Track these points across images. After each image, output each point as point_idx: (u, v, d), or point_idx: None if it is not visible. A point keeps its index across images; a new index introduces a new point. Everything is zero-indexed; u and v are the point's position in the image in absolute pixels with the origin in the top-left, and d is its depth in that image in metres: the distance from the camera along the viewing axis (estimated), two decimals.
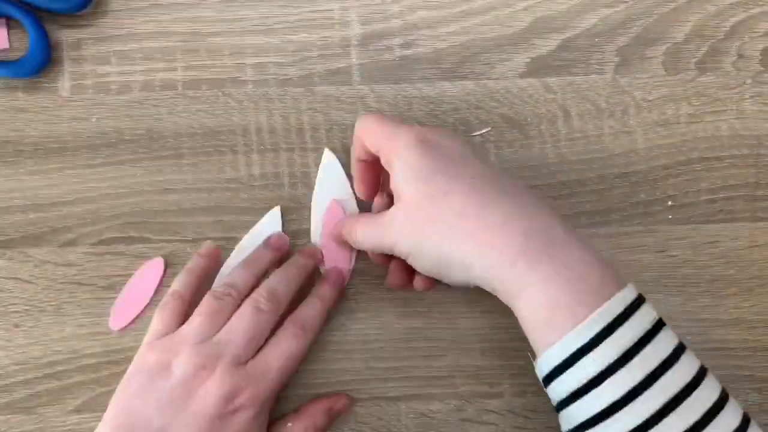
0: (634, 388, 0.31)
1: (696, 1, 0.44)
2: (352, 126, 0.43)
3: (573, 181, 0.43)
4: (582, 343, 0.32)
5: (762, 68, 0.44)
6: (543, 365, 0.34)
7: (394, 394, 0.43)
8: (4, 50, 0.44)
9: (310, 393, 0.43)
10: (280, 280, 0.40)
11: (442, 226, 0.34)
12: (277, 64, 0.44)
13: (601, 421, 0.32)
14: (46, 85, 0.44)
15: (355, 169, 0.41)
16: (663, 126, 0.44)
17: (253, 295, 0.39)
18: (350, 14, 0.44)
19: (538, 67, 0.44)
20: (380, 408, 0.43)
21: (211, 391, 0.36)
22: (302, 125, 0.44)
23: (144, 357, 0.38)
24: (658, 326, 0.33)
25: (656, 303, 0.43)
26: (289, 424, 0.40)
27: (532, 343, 0.34)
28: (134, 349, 0.42)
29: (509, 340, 0.43)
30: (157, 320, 0.39)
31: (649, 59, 0.44)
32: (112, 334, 0.43)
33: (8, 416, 0.42)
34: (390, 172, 0.37)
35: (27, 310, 0.43)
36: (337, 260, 0.43)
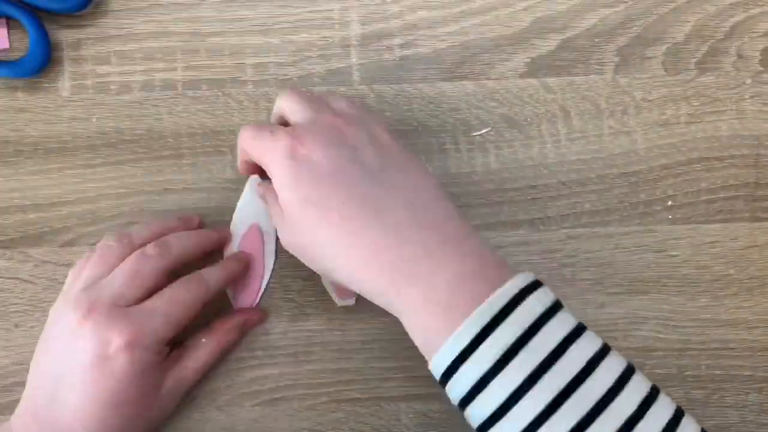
0: (521, 384, 0.30)
1: (696, 1, 0.44)
2: None
3: (573, 181, 0.44)
4: (460, 349, 0.31)
5: (762, 68, 0.44)
6: (434, 371, 0.33)
7: (394, 394, 0.43)
8: (4, 50, 0.44)
9: (311, 392, 0.43)
10: (176, 236, 0.40)
11: (319, 255, 0.35)
12: (277, 64, 0.44)
13: (494, 423, 0.31)
14: (46, 85, 0.44)
15: (240, 165, 0.41)
16: (663, 126, 0.44)
17: (147, 246, 0.39)
18: (350, 14, 0.44)
19: (537, 67, 0.44)
20: (380, 408, 0.43)
21: (89, 334, 0.35)
22: None
23: (49, 314, 0.38)
24: (550, 312, 0.32)
25: (656, 303, 0.43)
26: (203, 340, 0.41)
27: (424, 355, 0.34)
28: None
29: None
30: (67, 278, 0.39)
31: (649, 59, 0.44)
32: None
33: (8, 416, 0.42)
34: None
35: (27, 310, 0.43)
36: (245, 285, 0.43)
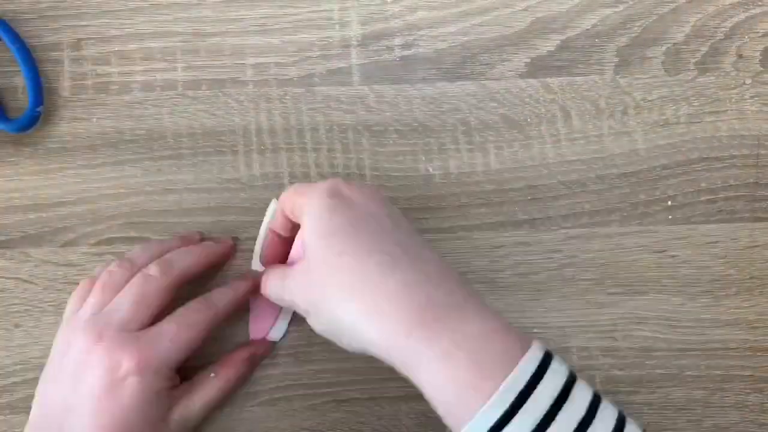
0: None
1: (696, 1, 0.44)
2: (353, 126, 0.43)
3: (573, 181, 0.44)
4: (493, 422, 0.29)
5: (762, 68, 0.44)
6: None
7: (394, 394, 0.43)
8: None
9: (311, 393, 0.43)
10: (178, 253, 0.40)
11: (336, 288, 0.33)
12: (277, 64, 0.44)
13: None
14: (46, 85, 0.44)
15: (268, 241, 0.41)
16: (663, 126, 0.44)
17: (147, 267, 0.38)
18: (350, 14, 0.44)
19: (538, 68, 0.44)
20: (380, 408, 0.43)
21: (99, 360, 0.35)
22: (302, 125, 0.44)
23: (54, 342, 0.38)
24: (570, 382, 0.31)
25: (656, 303, 0.43)
26: (212, 375, 0.40)
27: (442, 418, 0.32)
28: None
29: None
30: (67, 306, 0.39)
31: (649, 59, 0.44)
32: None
33: (8, 416, 0.42)
34: (302, 228, 0.36)
35: (27, 310, 0.43)
36: (260, 315, 0.43)
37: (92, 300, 0.38)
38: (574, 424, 0.30)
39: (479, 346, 0.31)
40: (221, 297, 0.39)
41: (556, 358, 0.32)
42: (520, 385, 0.30)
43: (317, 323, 0.35)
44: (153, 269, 0.38)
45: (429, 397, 0.32)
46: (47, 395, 0.37)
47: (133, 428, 0.35)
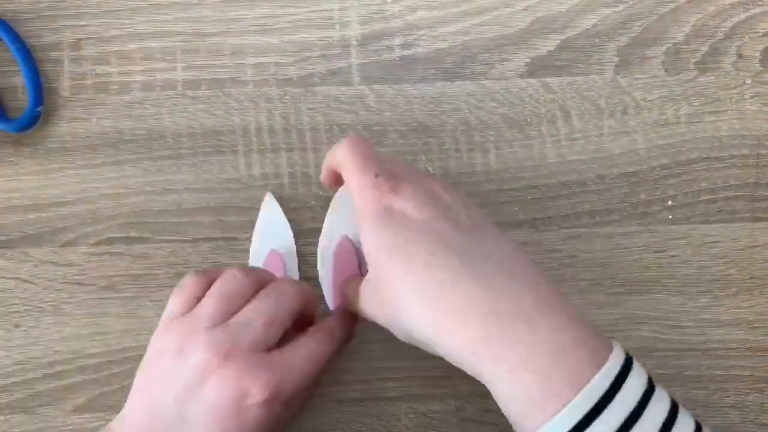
0: None
1: (696, 1, 0.44)
2: (353, 126, 0.43)
3: (573, 181, 0.44)
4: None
5: (762, 68, 0.44)
6: None
7: (394, 394, 0.43)
8: None
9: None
10: (296, 283, 0.38)
11: (404, 309, 0.33)
12: (277, 64, 0.44)
13: None
14: (46, 85, 0.44)
15: (326, 175, 0.40)
16: (663, 126, 0.44)
17: (275, 282, 0.37)
18: (350, 14, 0.44)
19: (538, 67, 0.44)
20: (380, 408, 0.43)
21: (224, 382, 0.33)
22: (302, 125, 0.44)
23: (160, 338, 0.35)
24: (649, 391, 0.31)
25: (656, 303, 0.43)
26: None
27: (513, 427, 0.32)
28: (135, 349, 0.42)
29: None
30: (174, 299, 0.36)
31: (649, 59, 0.44)
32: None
33: (8, 416, 0.42)
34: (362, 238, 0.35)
35: (27, 310, 0.43)
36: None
37: (213, 308, 0.35)
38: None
39: (548, 361, 0.31)
40: (339, 329, 0.38)
41: (636, 366, 0.31)
42: (590, 403, 0.30)
43: (398, 335, 0.35)
44: (288, 289, 0.36)
45: (500, 406, 0.32)
46: (158, 397, 0.34)
47: None
